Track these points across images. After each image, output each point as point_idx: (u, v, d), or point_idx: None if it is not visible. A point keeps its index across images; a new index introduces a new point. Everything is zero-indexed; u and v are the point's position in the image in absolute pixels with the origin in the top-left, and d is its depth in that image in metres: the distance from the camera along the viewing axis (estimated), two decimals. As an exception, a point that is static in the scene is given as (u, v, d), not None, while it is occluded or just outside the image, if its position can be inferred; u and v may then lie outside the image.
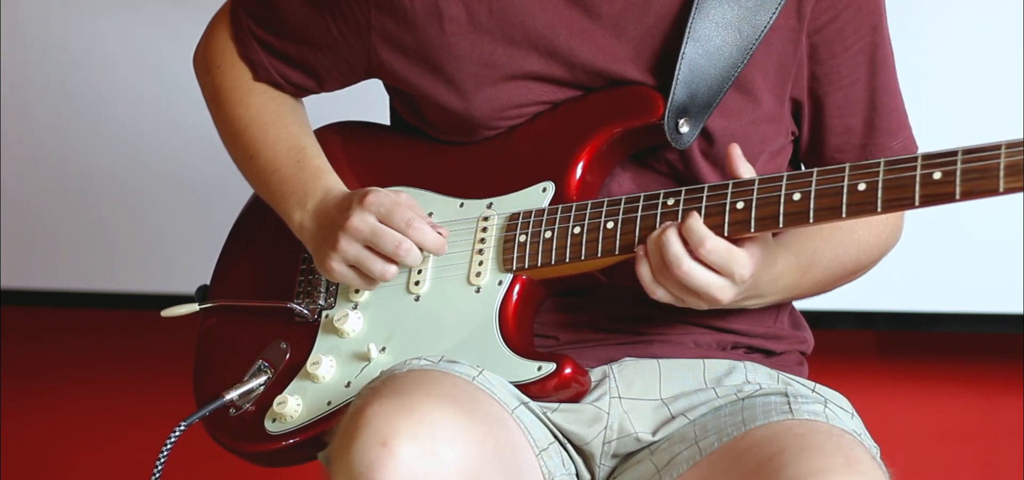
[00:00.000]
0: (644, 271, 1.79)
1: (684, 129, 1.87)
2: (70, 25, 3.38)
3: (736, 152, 1.80)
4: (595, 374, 1.91)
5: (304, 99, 2.13)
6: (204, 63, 2.14)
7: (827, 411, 1.85)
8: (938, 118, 2.77)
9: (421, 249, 1.89)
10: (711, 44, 1.87)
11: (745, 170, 1.79)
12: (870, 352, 3.08)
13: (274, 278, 2.04)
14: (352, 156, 2.06)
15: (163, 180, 3.36)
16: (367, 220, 1.88)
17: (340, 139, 2.09)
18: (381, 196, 1.89)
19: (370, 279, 1.91)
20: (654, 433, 1.88)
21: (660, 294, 1.79)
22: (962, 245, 2.84)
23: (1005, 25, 2.80)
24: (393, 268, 1.89)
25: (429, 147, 2.00)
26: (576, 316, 1.94)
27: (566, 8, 1.91)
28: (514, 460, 1.79)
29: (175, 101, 3.32)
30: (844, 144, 1.95)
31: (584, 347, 1.92)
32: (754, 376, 1.92)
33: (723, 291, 1.77)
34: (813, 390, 1.92)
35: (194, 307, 2.09)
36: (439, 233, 1.90)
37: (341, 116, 2.14)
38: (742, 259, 1.77)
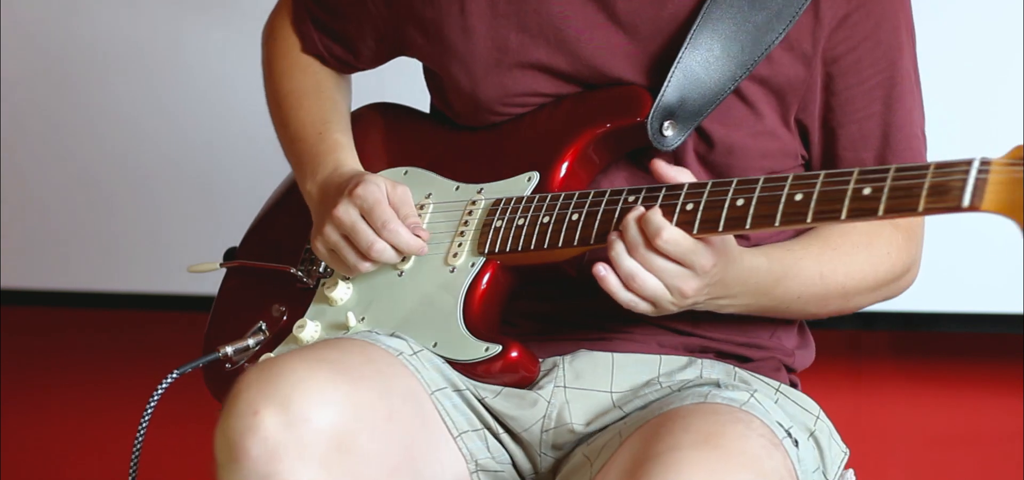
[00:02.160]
0: (613, 283, 1.77)
1: (668, 133, 1.87)
2: (70, 25, 3.38)
3: (659, 164, 1.78)
4: (546, 364, 1.92)
5: (353, 78, 2.18)
6: (266, 32, 2.21)
7: (752, 401, 1.83)
8: (939, 119, 2.78)
9: (396, 249, 1.91)
10: (711, 54, 1.87)
11: (680, 176, 1.78)
12: (870, 352, 3.08)
13: (289, 245, 2.09)
14: (379, 133, 2.12)
15: (163, 181, 3.36)
16: (350, 213, 1.91)
17: (378, 117, 2.15)
18: (369, 189, 1.91)
19: (348, 267, 1.94)
20: (587, 424, 1.88)
21: (642, 306, 1.76)
22: (962, 245, 2.84)
23: (1006, 25, 2.80)
24: (367, 263, 1.92)
25: (442, 131, 2.04)
26: (543, 306, 1.95)
27: (585, 1, 1.92)
28: (414, 434, 1.80)
29: (176, 101, 3.32)
30: None
31: (545, 338, 1.94)
32: (709, 372, 1.91)
33: (686, 280, 1.75)
34: (778, 389, 1.91)
35: (216, 265, 2.18)
36: (419, 234, 1.92)
37: (397, 98, 2.19)
38: (701, 249, 1.75)
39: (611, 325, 1.92)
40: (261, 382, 1.71)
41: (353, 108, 2.19)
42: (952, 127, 2.76)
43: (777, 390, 1.92)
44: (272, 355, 1.98)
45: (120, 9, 3.33)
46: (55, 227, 3.45)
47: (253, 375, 1.73)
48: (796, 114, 1.92)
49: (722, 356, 1.93)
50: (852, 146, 1.92)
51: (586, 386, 1.90)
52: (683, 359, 1.91)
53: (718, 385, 1.88)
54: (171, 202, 3.37)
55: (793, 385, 1.98)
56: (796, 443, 1.81)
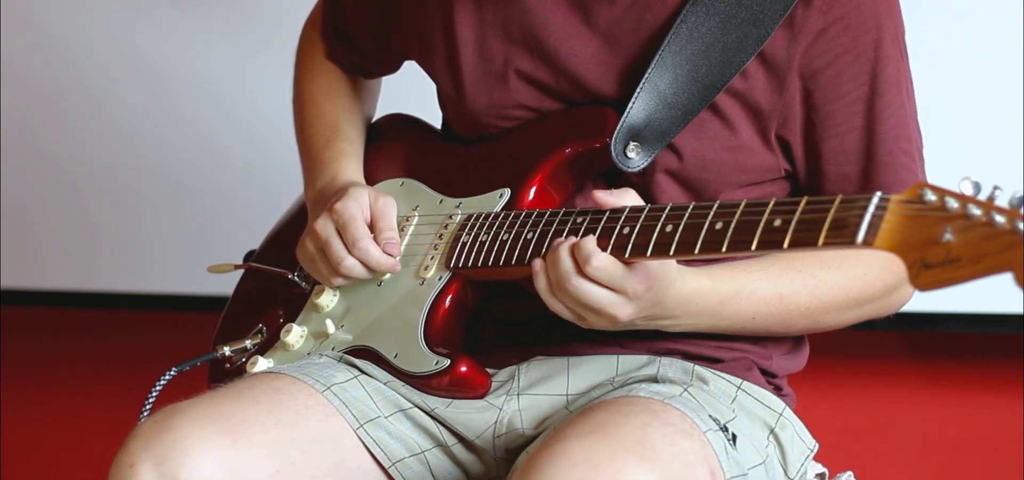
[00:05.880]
0: (541, 285, 1.76)
1: (632, 155, 1.86)
2: (70, 26, 3.38)
3: (598, 194, 1.76)
4: (503, 374, 1.92)
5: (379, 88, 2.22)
6: (300, 36, 2.24)
7: (684, 396, 1.81)
8: (938, 121, 2.78)
9: (366, 267, 1.92)
10: (680, 73, 1.85)
11: (622, 199, 1.76)
12: (869, 352, 3.08)
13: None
14: (391, 143, 2.15)
15: (161, 182, 3.36)
16: (327, 228, 1.93)
17: (396, 128, 2.18)
18: (348, 204, 1.93)
19: (323, 279, 1.97)
20: (537, 429, 1.87)
21: (559, 308, 1.75)
22: (962, 245, 2.83)
23: (1006, 25, 2.80)
24: (338, 278, 1.95)
25: (442, 146, 2.06)
26: (507, 315, 1.95)
27: (567, 11, 1.91)
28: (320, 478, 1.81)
29: (174, 104, 3.33)
30: (840, 191, 1.83)
31: (507, 347, 1.94)
32: (666, 370, 1.89)
33: (618, 307, 1.73)
34: (739, 387, 1.89)
35: (232, 266, 2.21)
36: (389, 252, 1.92)
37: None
38: (632, 276, 1.72)
39: (574, 332, 1.87)
40: (147, 435, 1.75)
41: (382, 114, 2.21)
42: (952, 128, 2.77)
43: (739, 387, 1.90)
44: (269, 358, 2.01)
45: (122, 11, 3.33)
46: (55, 227, 3.45)
47: (145, 425, 1.77)
48: (777, 130, 1.88)
49: (689, 357, 1.90)
50: (835, 161, 1.88)
51: (540, 391, 1.89)
52: (643, 358, 1.90)
53: (656, 380, 1.86)
54: (170, 204, 3.37)
55: (776, 387, 1.95)
56: (733, 438, 1.79)
